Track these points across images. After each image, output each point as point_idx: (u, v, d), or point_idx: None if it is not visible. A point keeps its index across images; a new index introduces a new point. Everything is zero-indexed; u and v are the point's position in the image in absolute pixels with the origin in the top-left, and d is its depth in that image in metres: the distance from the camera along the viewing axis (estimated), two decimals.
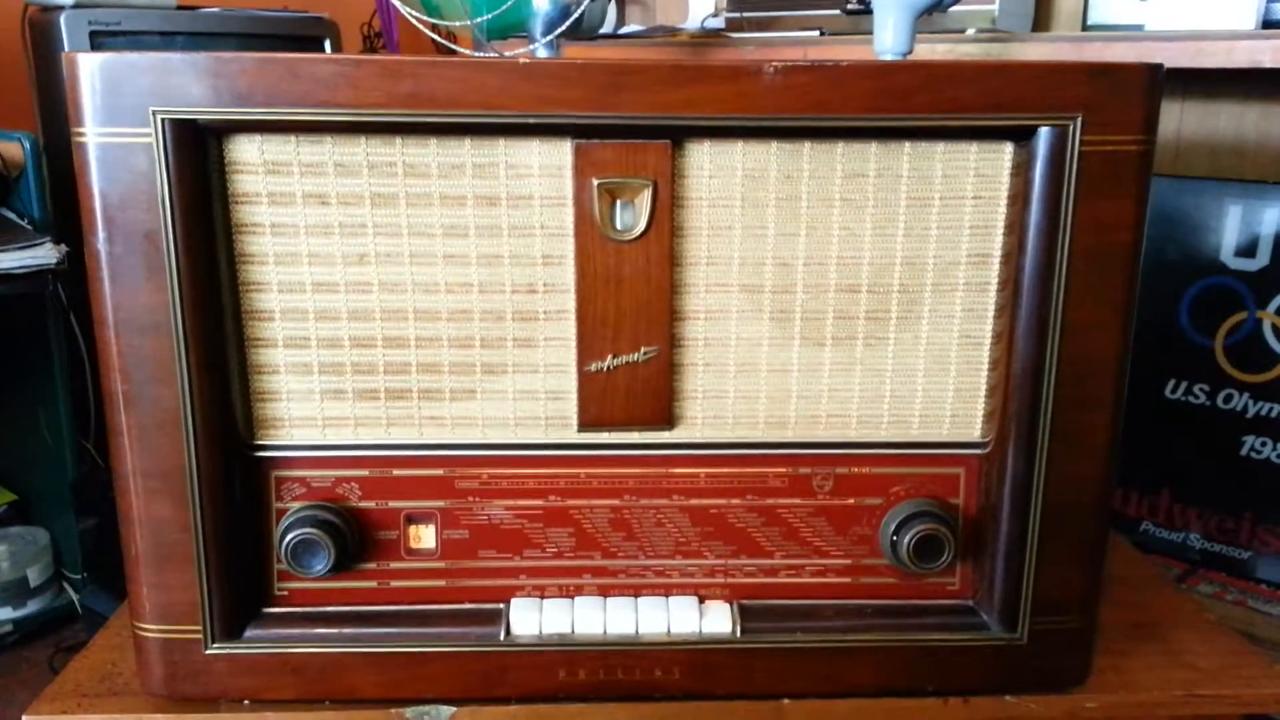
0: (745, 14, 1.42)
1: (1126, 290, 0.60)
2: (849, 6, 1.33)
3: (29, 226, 1.39)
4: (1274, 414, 1.16)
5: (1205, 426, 1.20)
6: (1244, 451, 1.18)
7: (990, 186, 0.60)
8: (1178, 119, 1.29)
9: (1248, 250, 1.16)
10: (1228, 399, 1.18)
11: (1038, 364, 0.60)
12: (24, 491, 1.68)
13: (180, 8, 1.71)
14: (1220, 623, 0.74)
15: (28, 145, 1.45)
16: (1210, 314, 1.19)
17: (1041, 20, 1.36)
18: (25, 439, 1.60)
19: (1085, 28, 1.32)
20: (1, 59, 1.49)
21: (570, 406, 0.62)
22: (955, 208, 0.60)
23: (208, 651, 0.62)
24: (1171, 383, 1.21)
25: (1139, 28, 1.22)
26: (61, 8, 1.54)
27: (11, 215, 1.42)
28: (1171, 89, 1.28)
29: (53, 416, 1.50)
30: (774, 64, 0.55)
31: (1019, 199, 0.59)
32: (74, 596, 1.59)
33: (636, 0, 1.88)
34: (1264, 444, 1.16)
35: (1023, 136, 0.58)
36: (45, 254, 1.32)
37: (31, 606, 1.56)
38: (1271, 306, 1.15)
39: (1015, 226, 0.60)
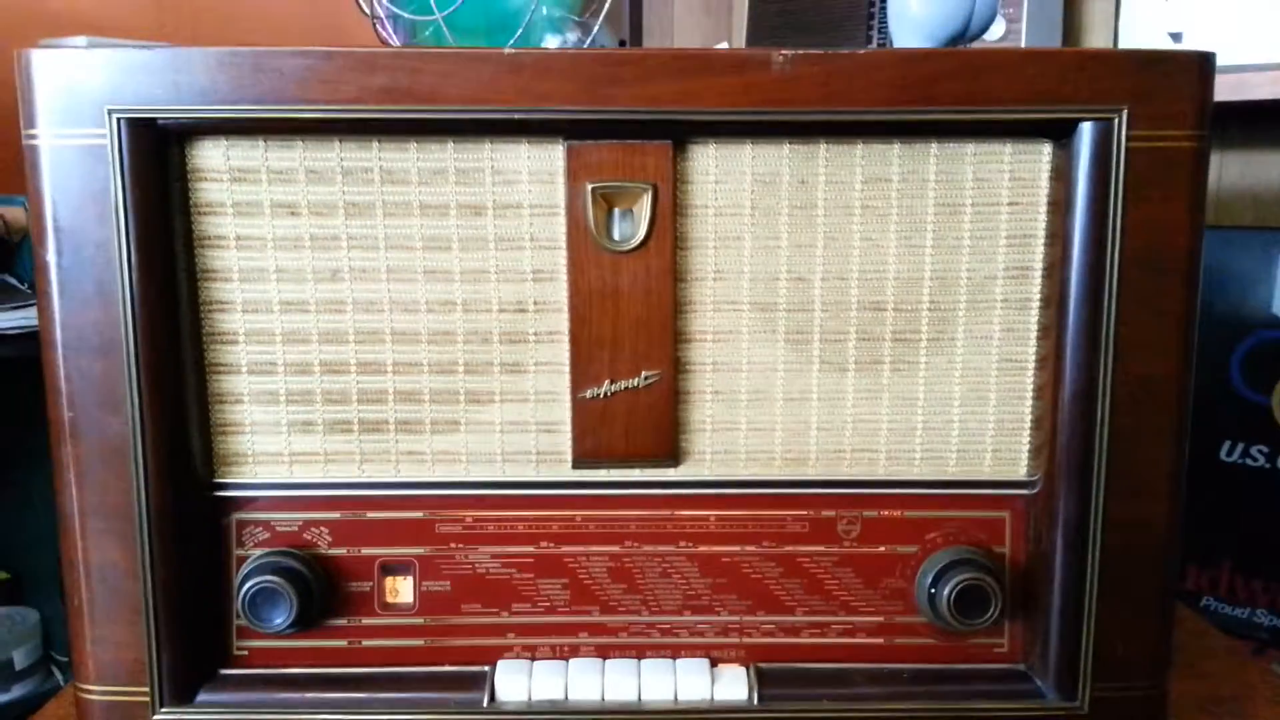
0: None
1: (1185, 303, 0.53)
2: (872, 43, 1.30)
3: (29, 290, 1.36)
4: None
5: (1267, 491, 1.11)
6: None
7: (1028, 191, 0.54)
8: (1218, 168, 1.23)
9: None
10: None
11: (1089, 389, 0.53)
12: (17, 569, 1.62)
13: None
14: None
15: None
16: (1264, 370, 1.11)
17: None
18: (19, 513, 1.54)
19: None
20: (3, 118, 1.48)
21: (564, 440, 0.56)
22: (989, 215, 0.54)
23: (155, 717, 0.55)
24: (1227, 445, 1.13)
25: None
26: None
27: (13, 280, 1.40)
28: None
29: (47, 489, 1.44)
30: (784, 53, 0.50)
31: (1060, 205, 0.53)
32: (61, 681, 1.51)
33: None
34: None
35: (1062, 134, 0.52)
36: None
37: (16, 691, 1.48)
38: None
39: (1058, 236, 0.53)
